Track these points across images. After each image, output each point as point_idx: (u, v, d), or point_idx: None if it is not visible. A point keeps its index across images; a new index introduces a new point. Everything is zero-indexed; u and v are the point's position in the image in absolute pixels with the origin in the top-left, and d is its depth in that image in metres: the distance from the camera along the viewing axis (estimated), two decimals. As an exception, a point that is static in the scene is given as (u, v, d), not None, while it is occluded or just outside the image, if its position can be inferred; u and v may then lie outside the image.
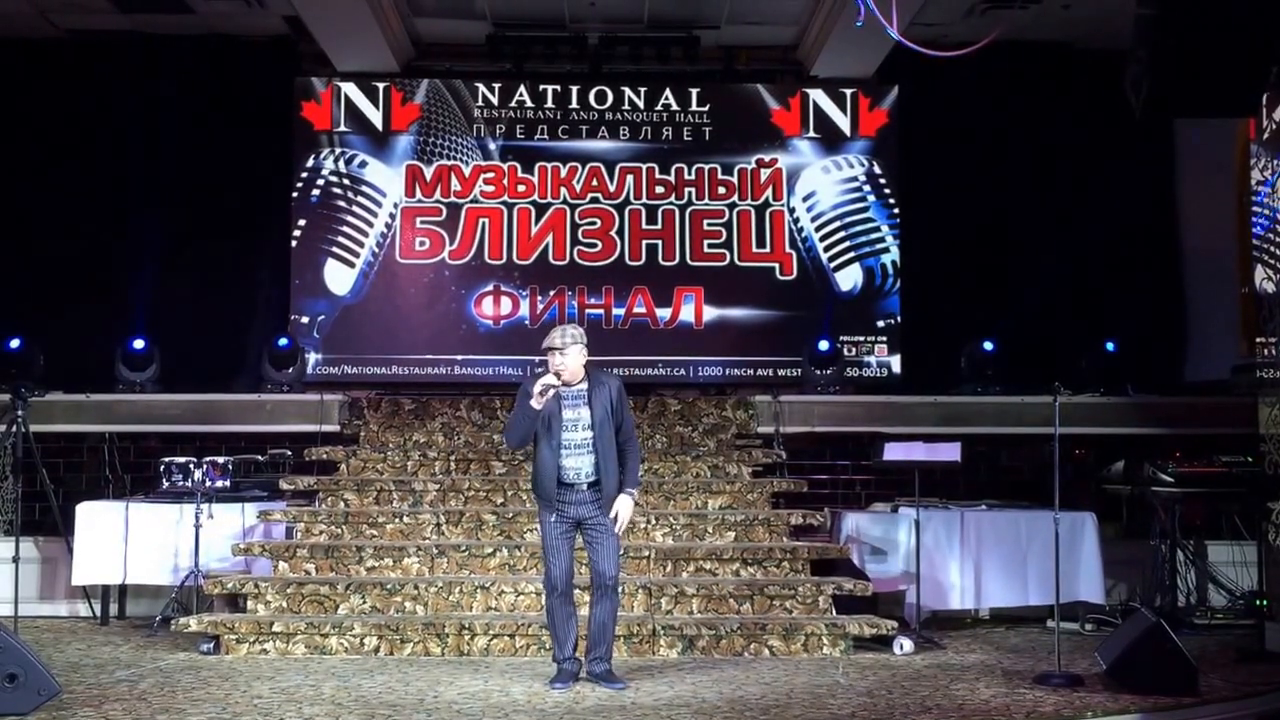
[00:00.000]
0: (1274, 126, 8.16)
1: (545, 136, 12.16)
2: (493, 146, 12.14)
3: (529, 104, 12.18)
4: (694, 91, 12.16)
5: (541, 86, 12.18)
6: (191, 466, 9.35)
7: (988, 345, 11.14)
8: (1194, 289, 11.83)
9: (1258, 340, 8.45)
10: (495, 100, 12.18)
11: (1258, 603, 8.59)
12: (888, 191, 12.14)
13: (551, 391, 6.85)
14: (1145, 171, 11.86)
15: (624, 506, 6.98)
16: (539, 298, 11.96)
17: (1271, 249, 8.22)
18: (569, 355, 6.92)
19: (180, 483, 9.41)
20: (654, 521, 9.24)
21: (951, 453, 8.88)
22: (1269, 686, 6.96)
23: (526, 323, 11.88)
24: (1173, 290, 11.91)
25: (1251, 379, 8.64)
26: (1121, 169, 11.68)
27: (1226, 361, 10.29)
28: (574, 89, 12.18)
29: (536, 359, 7.08)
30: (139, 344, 10.94)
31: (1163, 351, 11.67)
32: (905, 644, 8.12)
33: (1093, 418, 10.52)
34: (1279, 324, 8.17)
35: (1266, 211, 8.29)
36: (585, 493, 6.92)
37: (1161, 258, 11.91)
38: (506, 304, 11.97)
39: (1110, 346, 11.10)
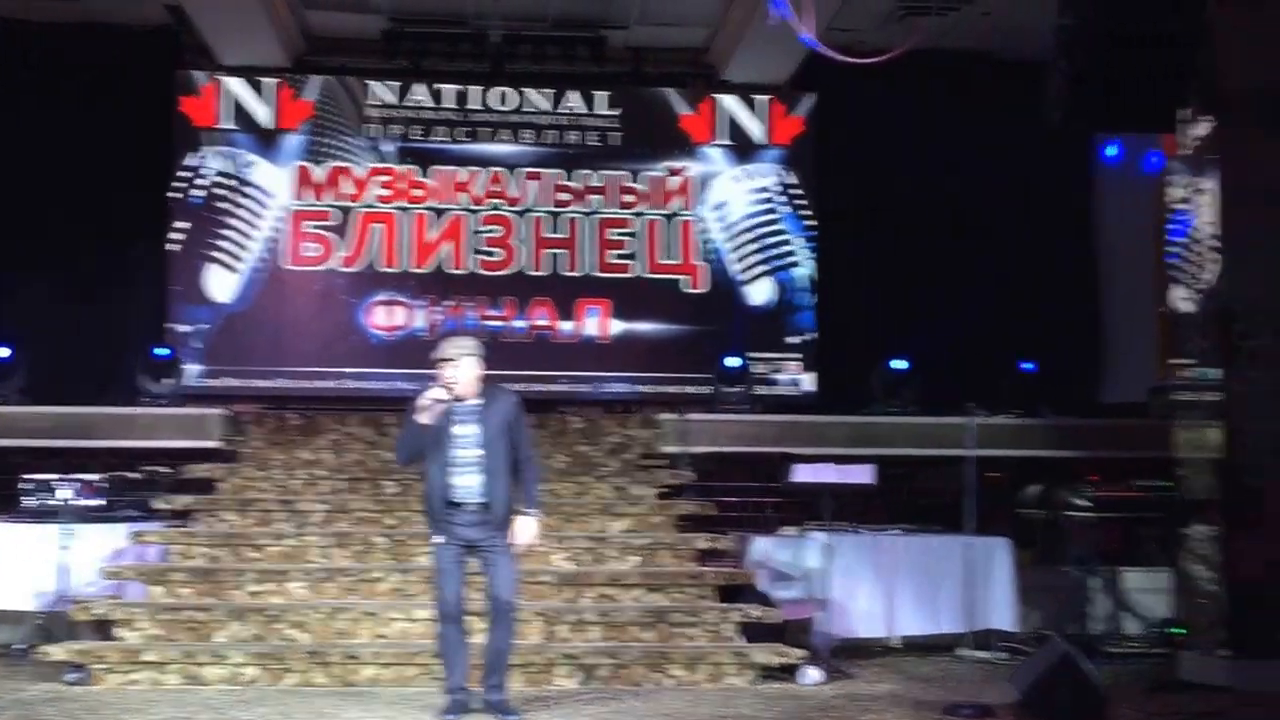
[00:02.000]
0: (1193, 144, 8.43)
1: (444, 138, 12.15)
2: (388, 148, 12.09)
3: (427, 104, 12.17)
4: (601, 94, 12.23)
5: (441, 86, 12.18)
6: (56, 483, 9.15)
7: (904, 364, 11.30)
8: (1112, 309, 12.14)
9: (1174, 362, 8.70)
10: (392, 99, 12.14)
11: (1172, 631, 8.82)
12: (803, 203, 12.30)
13: (440, 406, 6.82)
14: (1065, 187, 12.15)
15: (525, 529, 6.97)
16: (435, 308, 11.92)
17: (1188, 269, 8.48)
18: (462, 367, 6.89)
19: (42, 501, 9.20)
20: (554, 545, 9.24)
21: (863, 475, 9.00)
22: (1179, 717, 7.16)
23: (422, 334, 11.81)
24: (1091, 310, 12.21)
25: (1167, 402, 8.88)
26: (1041, 184, 11.96)
27: (1144, 384, 10.57)
28: (475, 89, 12.19)
29: (432, 372, 7.04)
30: (3, 352, 10.70)
31: (1080, 373, 11.95)
32: (812, 673, 8.18)
33: (1009, 440, 10.70)
34: (1196, 346, 8.43)
35: (1178, 231, 8.56)
36: (476, 514, 6.89)
37: (1080, 276, 12.20)
38: (401, 314, 11.92)
39: (1028, 367, 11.33)
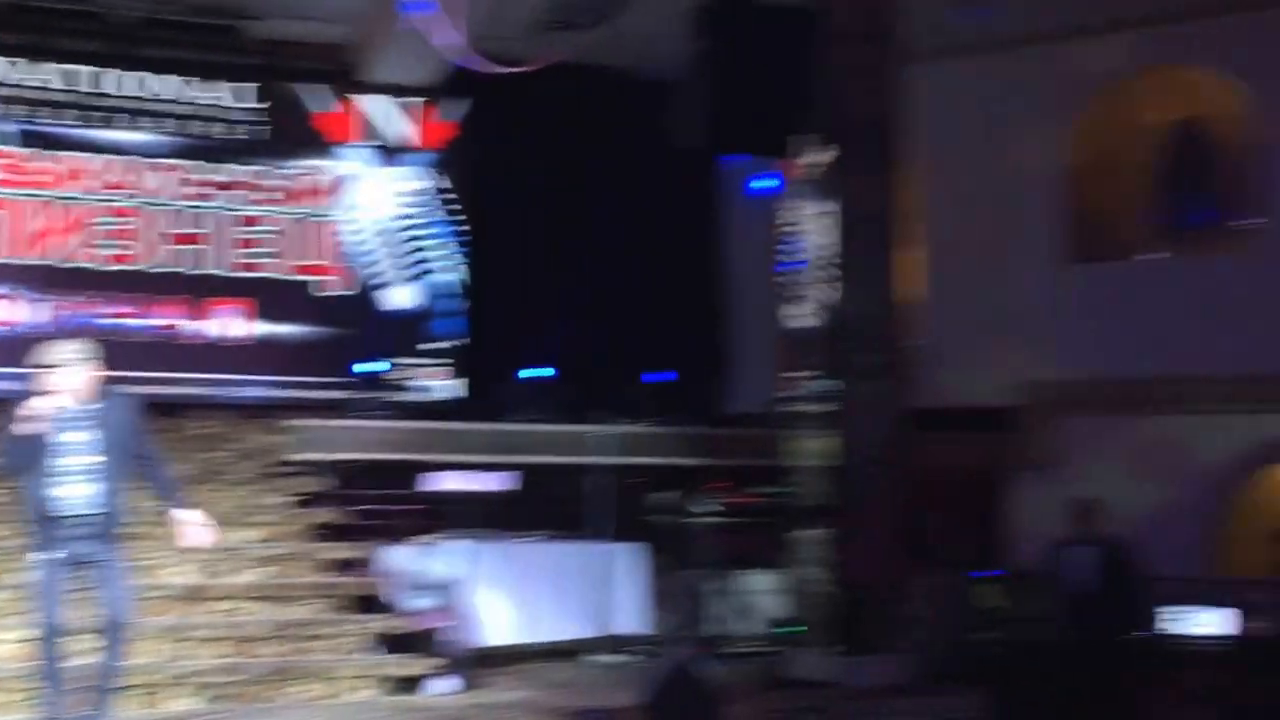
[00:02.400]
0: (810, 170, 9.11)
1: (67, 122, 11.58)
2: (6, 129, 11.44)
3: (51, 84, 11.59)
4: (239, 87, 11.94)
5: (66, 66, 11.59)
6: None
7: (549, 372, 11.65)
8: (738, 322, 12.89)
9: (789, 375, 9.38)
10: (11, 77, 11.49)
11: (788, 630, 9.48)
12: (455, 208, 12.41)
13: (47, 412, 6.57)
14: (701, 204, 12.81)
15: (192, 522, 6.82)
16: (50, 304, 11.34)
17: (798, 287, 9.17)
18: (70, 373, 6.66)
19: None
20: (177, 556, 9.01)
21: (499, 482, 9.27)
22: (786, 713, 7.74)
23: (34, 332, 11.13)
24: (720, 322, 12.92)
25: (782, 412, 9.55)
26: (678, 201, 12.56)
27: (765, 394, 11.24)
28: (102, 72, 11.67)
29: (40, 372, 6.75)
30: None
31: (714, 383, 12.62)
32: (442, 683, 8.32)
33: (646, 448, 11.14)
34: (810, 361, 9.11)
35: (795, 252, 9.25)
36: (87, 527, 6.69)
37: (710, 290, 12.89)
38: (9, 309, 11.26)
39: (665, 376, 11.89)
